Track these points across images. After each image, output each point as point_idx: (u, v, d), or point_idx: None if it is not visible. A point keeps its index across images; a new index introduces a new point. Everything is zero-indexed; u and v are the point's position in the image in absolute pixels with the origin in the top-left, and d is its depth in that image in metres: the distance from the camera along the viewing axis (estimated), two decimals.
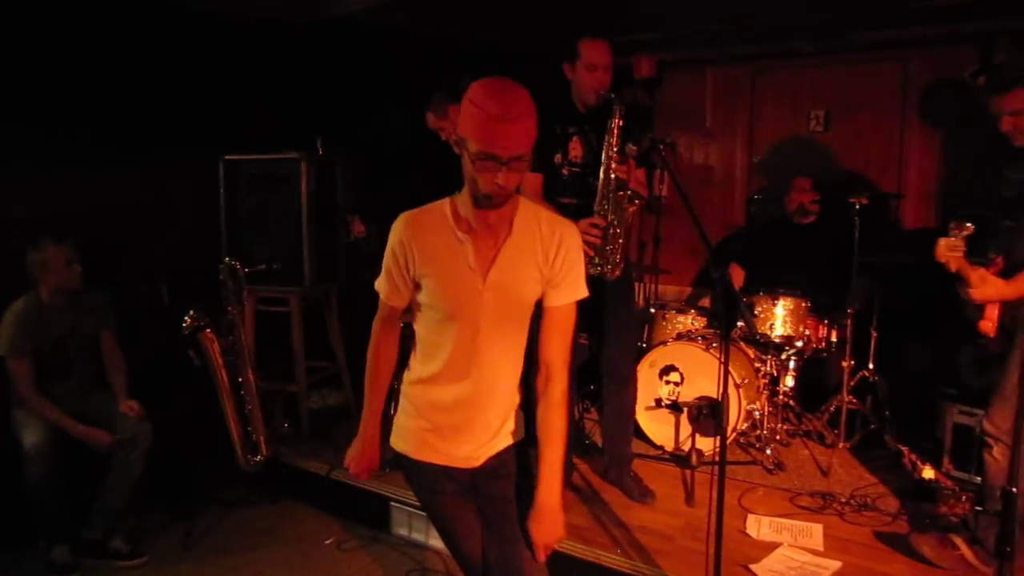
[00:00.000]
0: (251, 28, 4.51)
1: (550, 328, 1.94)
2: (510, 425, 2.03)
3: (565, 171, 3.21)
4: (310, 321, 4.42)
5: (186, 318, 3.40)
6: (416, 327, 1.99)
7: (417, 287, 1.91)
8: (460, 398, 1.94)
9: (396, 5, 4.23)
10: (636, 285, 3.66)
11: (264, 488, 3.94)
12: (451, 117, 3.85)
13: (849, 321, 3.98)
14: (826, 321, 4.12)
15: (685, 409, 3.84)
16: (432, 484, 2.01)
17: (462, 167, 1.80)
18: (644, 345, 4.40)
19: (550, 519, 1.94)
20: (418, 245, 1.87)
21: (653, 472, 3.73)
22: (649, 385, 3.93)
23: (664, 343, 4.02)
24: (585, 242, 3.04)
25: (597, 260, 3.10)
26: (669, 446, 3.95)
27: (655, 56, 5.51)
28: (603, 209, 3.10)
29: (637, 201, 3.08)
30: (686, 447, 3.79)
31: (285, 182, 4.08)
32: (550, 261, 1.89)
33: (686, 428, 3.85)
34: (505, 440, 2.03)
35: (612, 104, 3.04)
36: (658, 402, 3.95)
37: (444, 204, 1.90)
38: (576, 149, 3.20)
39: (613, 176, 3.08)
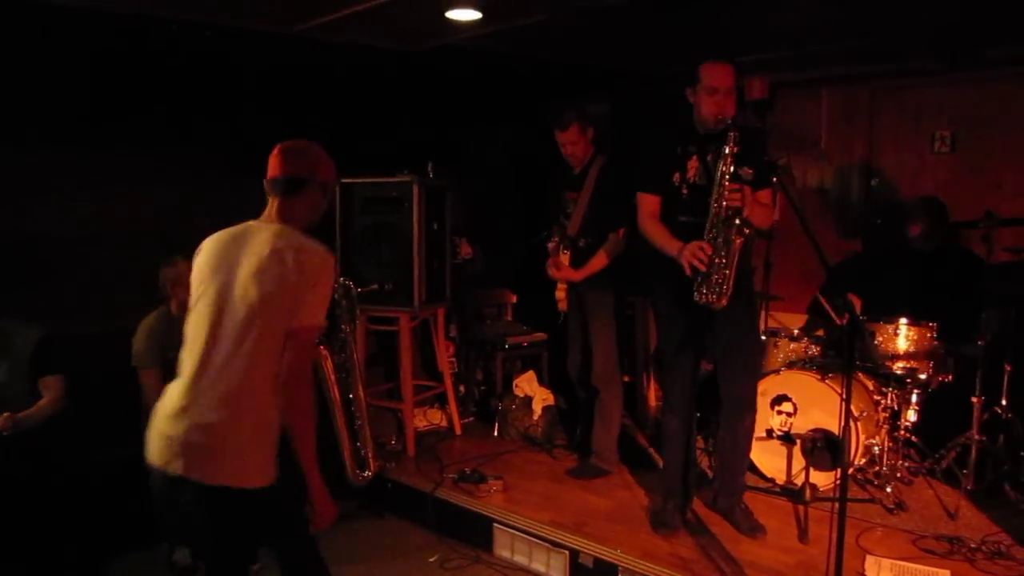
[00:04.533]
0: (365, 56, 4.68)
1: None
2: None
3: (684, 191, 3.19)
4: (417, 340, 4.51)
5: None
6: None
7: None
8: None
9: (504, 34, 4.31)
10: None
11: (371, 503, 4.03)
12: (588, 137, 3.90)
13: (979, 353, 3.73)
14: (953, 353, 3.88)
15: (798, 441, 3.69)
16: None
17: (317, 207, 2.27)
18: None
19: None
20: None
21: (763, 506, 3.59)
22: (760, 415, 3.78)
23: (776, 372, 3.89)
24: (691, 266, 3.01)
25: (705, 289, 3.04)
26: (780, 479, 3.80)
27: (767, 78, 5.39)
28: (711, 236, 3.04)
29: (747, 230, 2.99)
30: (799, 481, 3.63)
31: (398, 204, 4.21)
32: None
33: (799, 461, 3.70)
34: None
35: (727, 130, 2.99)
36: (769, 433, 3.81)
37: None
38: (693, 169, 3.18)
39: (724, 204, 3.02)
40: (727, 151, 2.99)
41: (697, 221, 3.13)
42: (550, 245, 4.02)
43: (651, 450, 4.15)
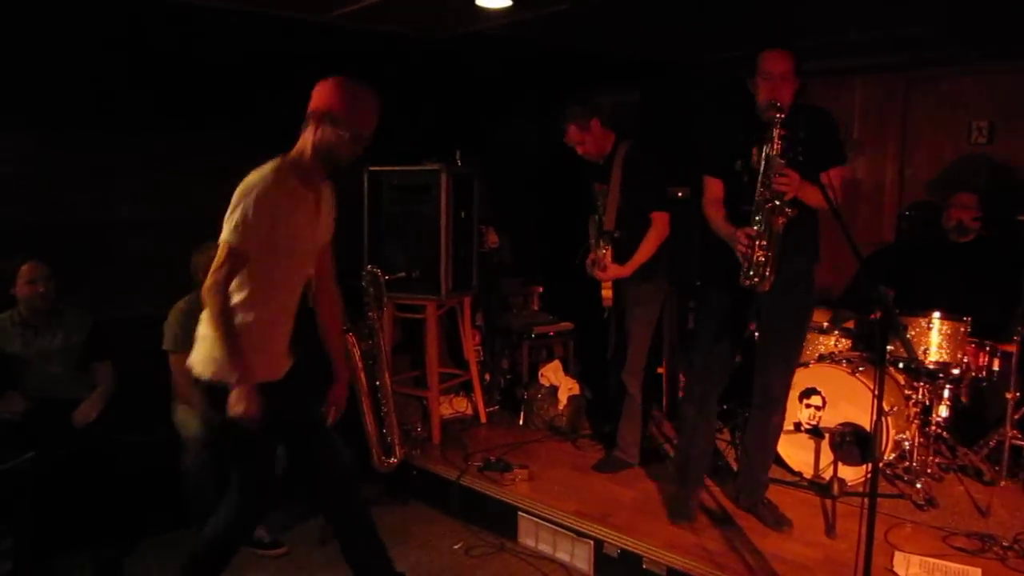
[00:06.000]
0: (393, 43, 4.68)
1: (328, 256, 2.69)
2: None
3: (746, 177, 3.14)
4: (443, 328, 4.52)
5: None
6: (250, 274, 2.40)
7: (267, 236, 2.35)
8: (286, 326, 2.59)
9: (534, 22, 4.28)
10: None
11: (396, 489, 4.05)
12: (593, 131, 3.80)
13: (1015, 348, 3.66)
14: (987, 348, 3.82)
15: (827, 435, 3.65)
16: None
17: (319, 139, 2.39)
18: None
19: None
20: (286, 199, 2.38)
21: (790, 499, 3.57)
22: (788, 408, 3.75)
23: (805, 365, 3.84)
24: (737, 251, 2.98)
25: (751, 271, 3.01)
26: (808, 473, 3.77)
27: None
28: (757, 220, 3.00)
29: (788, 210, 2.95)
30: (826, 475, 3.60)
31: (425, 193, 4.21)
32: (331, 212, 2.64)
33: (827, 455, 3.66)
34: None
35: (775, 121, 2.92)
36: (797, 426, 3.77)
37: (277, 168, 2.38)
38: (755, 157, 3.12)
39: (764, 190, 2.98)
40: (774, 134, 2.95)
41: None
42: (601, 248, 3.87)
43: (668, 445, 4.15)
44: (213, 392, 2.43)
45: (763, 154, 2.95)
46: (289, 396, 2.58)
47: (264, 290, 2.43)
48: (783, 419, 3.41)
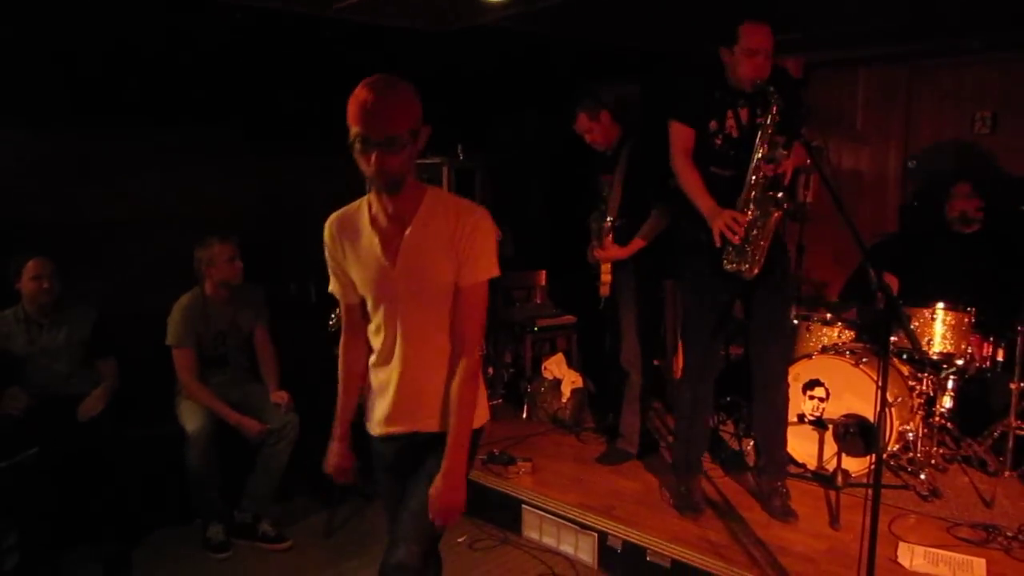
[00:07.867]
0: (394, 36, 4.67)
1: (461, 306, 2.03)
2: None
3: (718, 140, 3.12)
4: None
5: (332, 316, 3.55)
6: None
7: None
8: (389, 377, 2.10)
9: (535, 14, 4.27)
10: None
11: None
12: (602, 121, 3.85)
13: (1019, 339, 3.65)
14: (991, 338, 3.81)
15: (830, 426, 3.65)
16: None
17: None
18: None
19: (451, 485, 2.00)
20: (345, 242, 2.05)
21: (794, 491, 3.54)
22: (792, 399, 3.75)
23: (808, 356, 3.84)
24: (723, 237, 2.97)
25: (735, 256, 3.00)
26: (812, 464, 3.76)
27: (802, 58, 5.29)
28: (747, 206, 3.00)
29: (786, 205, 2.95)
30: (830, 467, 3.60)
31: None
32: (460, 246, 2.00)
33: (830, 446, 3.66)
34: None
35: (770, 98, 2.93)
36: (801, 418, 3.77)
37: (363, 201, 2.05)
38: (731, 121, 3.11)
39: (761, 174, 2.98)
40: (769, 120, 2.94)
41: (726, 175, 3.10)
42: (605, 225, 3.92)
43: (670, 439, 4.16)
44: None
45: (758, 138, 2.95)
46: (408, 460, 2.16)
47: (375, 336, 2.10)
48: (787, 392, 3.40)
